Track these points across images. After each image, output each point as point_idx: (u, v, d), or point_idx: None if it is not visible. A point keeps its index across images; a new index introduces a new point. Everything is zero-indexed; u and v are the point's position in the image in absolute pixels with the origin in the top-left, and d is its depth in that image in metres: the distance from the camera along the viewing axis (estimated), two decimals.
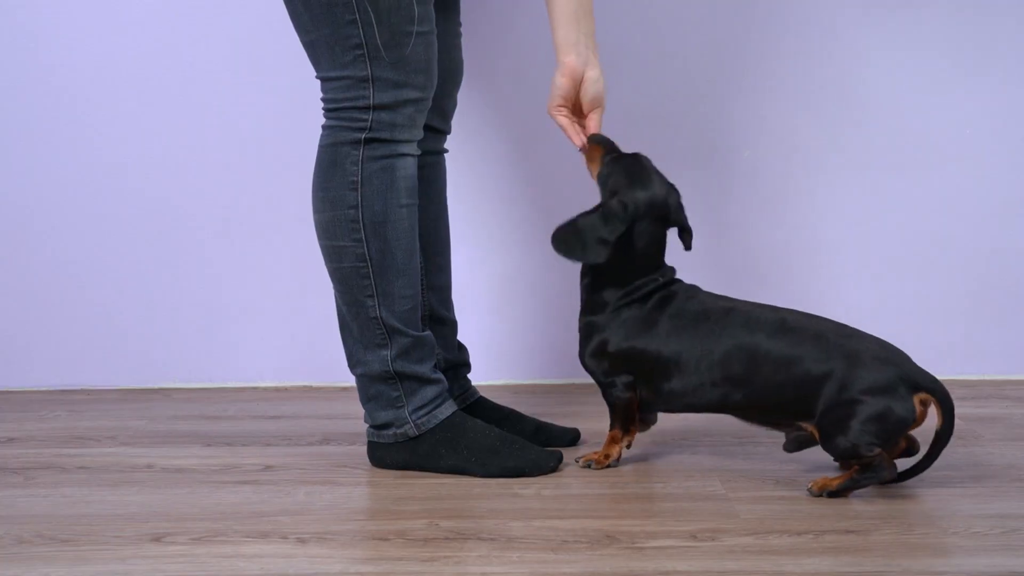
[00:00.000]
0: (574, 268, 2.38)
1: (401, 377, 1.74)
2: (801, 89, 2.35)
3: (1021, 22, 2.32)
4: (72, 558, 1.43)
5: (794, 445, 1.68)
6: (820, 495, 1.60)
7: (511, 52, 2.27)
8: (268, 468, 1.80)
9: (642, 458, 1.82)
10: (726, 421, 2.04)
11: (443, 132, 1.89)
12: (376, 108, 1.67)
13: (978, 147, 2.35)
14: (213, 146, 2.36)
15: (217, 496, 1.66)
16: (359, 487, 1.71)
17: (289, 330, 2.40)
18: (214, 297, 2.40)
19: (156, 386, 2.41)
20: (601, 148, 1.75)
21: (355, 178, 1.69)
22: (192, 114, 2.36)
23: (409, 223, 1.73)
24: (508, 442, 1.75)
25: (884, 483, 1.60)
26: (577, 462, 1.77)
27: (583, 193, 2.37)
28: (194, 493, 1.68)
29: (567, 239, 1.67)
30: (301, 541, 1.47)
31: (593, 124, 1.77)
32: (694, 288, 1.74)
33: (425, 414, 1.75)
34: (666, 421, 2.06)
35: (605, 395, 1.74)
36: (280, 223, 2.37)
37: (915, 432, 1.62)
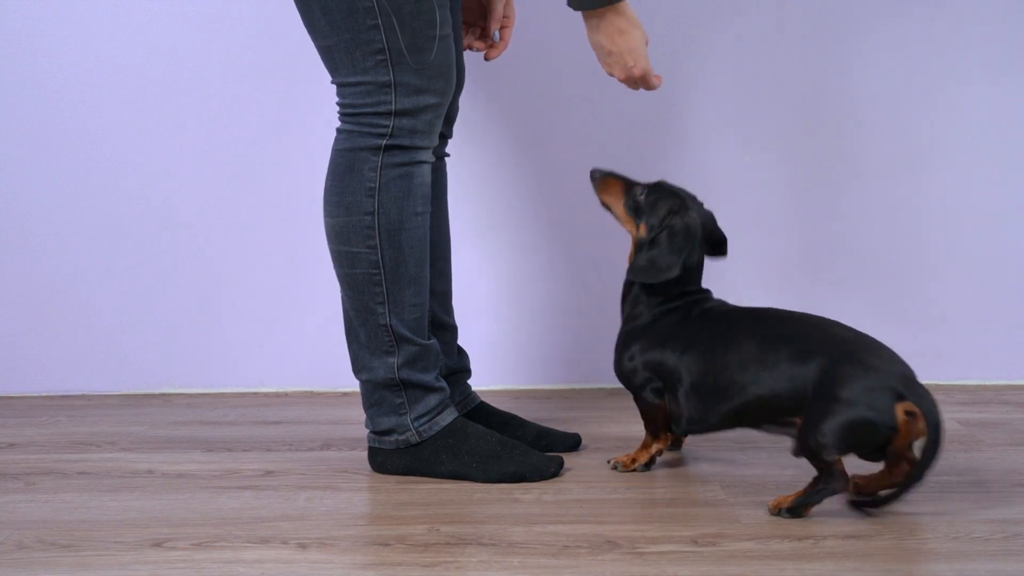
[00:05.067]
0: (574, 273, 2.39)
1: (406, 385, 1.74)
2: (801, 93, 2.35)
3: (1019, 24, 2.32)
4: (73, 563, 1.43)
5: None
6: (777, 515, 1.56)
7: (512, 56, 2.27)
8: (269, 473, 1.80)
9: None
10: None
11: (446, 137, 1.89)
12: (397, 114, 1.66)
13: (979, 152, 2.35)
14: (215, 151, 2.37)
15: (218, 501, 1.66)
16: (360, 492, 1.71)
17: (290, 336, 2.40)
18: (215, 302, 2.40)
19: (157, 391, 2.41)
20: (619, 181, 1.80)
21: (373, 184, 1.68)
22: (191, 119, 2.36)
23: (423, 231, 1.73)
24: (509, 447, 1.75)
25: (836, 494, 1.55)
26: (608, 463, 1.80)
27: (584, 197, 2.37)
28: (195, 498, 1.68)
29: (646, 269, 1.73)
30: (302, 546, 1.47)
31: (509, 36, 1.85)
32: (724, 302, 1.77)
33: (427, 421, 1.75)
34: None
35: (636, 401, 1.77)
36: (282, 228, 2.37)
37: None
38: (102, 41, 2.34)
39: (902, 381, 1.52)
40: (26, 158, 2.37)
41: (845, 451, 1.53)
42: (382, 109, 1.66)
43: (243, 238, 2.38)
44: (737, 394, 1.63)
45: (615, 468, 1.78)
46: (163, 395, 2.39)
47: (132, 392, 2.40)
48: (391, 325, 1.71)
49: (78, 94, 2.35)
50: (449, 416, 1.76)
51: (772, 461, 1.82)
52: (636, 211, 1.76)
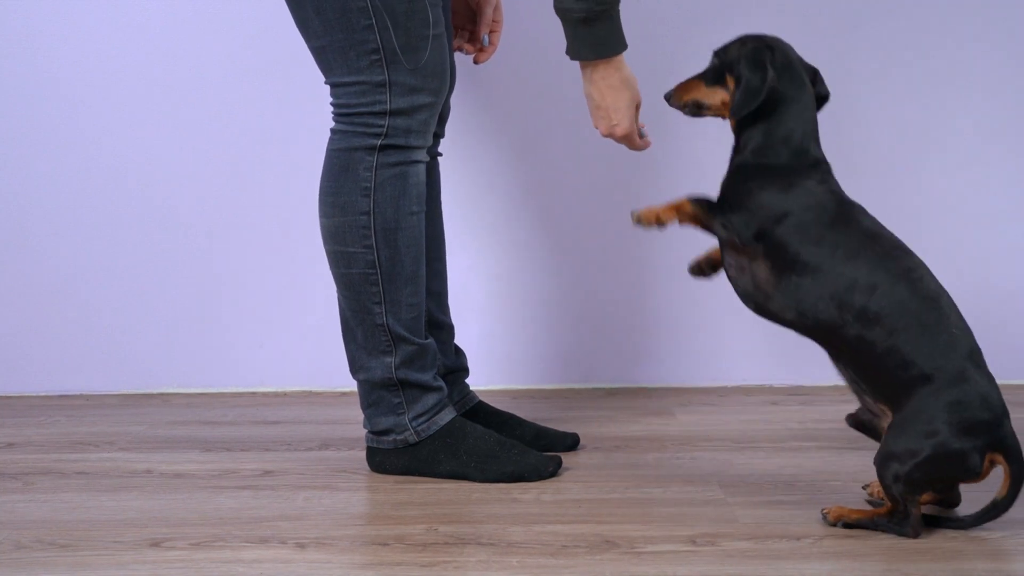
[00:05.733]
0: (573, 272, 2.39)
1: (404, 385, 1.74)
2: None
3: (1019, 25, 2.33)
4: (71, 563, 1.43)
5: (855, 422, 1.58)
6: (835, 525, 1.50)
7: (507, 56, 2.27)
8: (267, 473, 1.80)
9: (641, 463, 1.82)
10: (725, 426, 2.04)
11: (438, 136, 1.89)
12: (393, 114, 1.66)
13: (979, 151, 2.35)
14: (214, 151, 2.36)
15: (216, 501, 1.66)
16: (358, 492, 1.71)
17: (289, 335, 2.40)
18: (213, 302, 2.40)
19: (155, 391, 2.41)
20: (691, 82, 1.67)
21: (368, 184, 1.68)
22: (191, 119, 2.36)
23: (419, 230, 1.73)
24: (507, 447, 1.75)
25: (904, 536, 1.46)
26: (633, 214, 1.64)
27: (582, 197, 2.38)
28: (193, 498, 1.68)
29: (742, 99, 1.57)
30: (300, 546, 1.47)
31: (498, 40, 1.86)
32: (855, 204, 1.62)
33: (425, 421, 1.75)
34: (665, 426, 2.06)
35: (725, 220, 1.56)
36: (281, 228, 2.37)
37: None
38: (102, 41, 2.34)
39: (999, 431, 1.45)
40: (26, 158, 2.37)
41: (927, 486, 1.46)
42: (377, 109, 1.66)
43: (242, 238, 2.38)
44: (855, 328, 1.47)
45: (638, 223, 1.63)
46: (162, 395, 2.39)
47: (131, 392, 2.40)
48: (388, 325, 1.71)
49: (78, 94, 2.35)
50: (447, 416, 1.76)
51: (771, 461, 1.82)
52: (717, 79, 1.63)
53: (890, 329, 1.46)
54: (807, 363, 2.35)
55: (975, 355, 1.49)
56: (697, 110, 1.68)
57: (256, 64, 2.33)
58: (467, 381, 1.96)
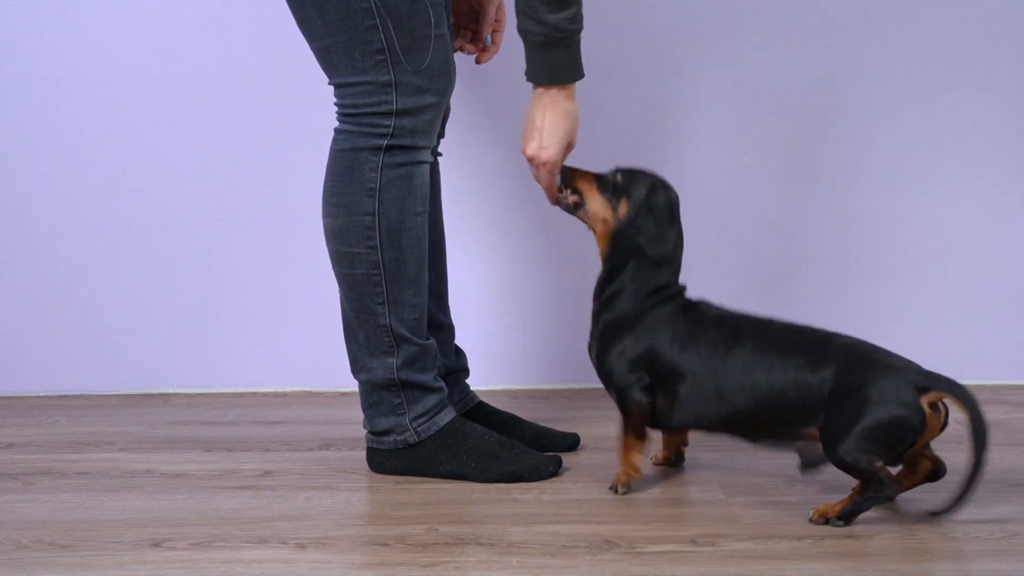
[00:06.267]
0: (573, 272, 2.39)
1: (405, 385, 1.74)
2: (798, 94, 2.35)
3: (1018, 26, 2.33)
4: (71, 563, 1.43)
5: (809, 465, 1.60)
6: (821, 523, 1.52)
7: (508, 56, 2.27)
8: (267, 473, 1.80)
9: (641, 463, 1.82)
10: None
11: (439, 136, 1.89)
12: (399, 114, 1.66)
13: (975, 152, 2.35)
14: (214, 151, 2.36)
15: (216, 501, 1.66)
16: (359, 492, 1.71)
17: (289, 336, 2.40)
18: (214, 302, 2.40)
19: (155, 391, 2.41)
20: (586, 172, 1.73)
21: (373, 185, 1.68)
22: (191, 119, 2.36)
23: (423, 231, 1.73)
24: (507, 447, 1.75)
25: (888, 501, 1.52)
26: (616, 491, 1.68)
27: None
28: (193, 498, 1.68)
29: (639, 243, 1.66)
30: (300, 546, 1.47)
31: (501, 40, 1.85)
32: (705, 301, 1.71)
33: (425, 421, 1.75)
34: None
35: (621, 400, 1.68)
36: (281, 228, 2.37)
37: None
38: (102, 41, 2.34)
39: (921, 374, 1.51)
40: (26, 158, 2.37)
41: (886, 454, 1.49)
42: (383, 109, 1.66)
43: (242, 238, 2.38)
44: (742, 397, 1.58)
45: (627, 490, 1.67)
46: (162, 395, 2.39)
47: (131, 392, 2.40)
48: (390, 325, 1.71)
49: (78, 94, 2.35)
50: (447, 416, 1.76)
51: (771, 462, 1.82)
52: (614, 192, 1.70)
53: (770, 377, 1.57)
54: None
55: (848, 339, 1.59)
56: (575, 207, 1.73)
57: (256, 64, 2.33)
58: (467, 381, 1.96)
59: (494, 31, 1.90)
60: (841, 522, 1.51)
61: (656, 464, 1.81)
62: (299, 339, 2.40)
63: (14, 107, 2.36)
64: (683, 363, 1.63)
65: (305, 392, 2.40)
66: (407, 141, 1.67)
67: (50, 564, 1.43)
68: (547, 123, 1.67)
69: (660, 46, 2.34)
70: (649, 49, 2.35)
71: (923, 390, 1.49)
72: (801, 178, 2.38)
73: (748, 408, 1.59)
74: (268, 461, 1.87)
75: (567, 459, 1.82)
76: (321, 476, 1.78)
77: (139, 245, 2.38)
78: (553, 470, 1.75)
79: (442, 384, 1.78)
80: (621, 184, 1.70)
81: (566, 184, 1.72)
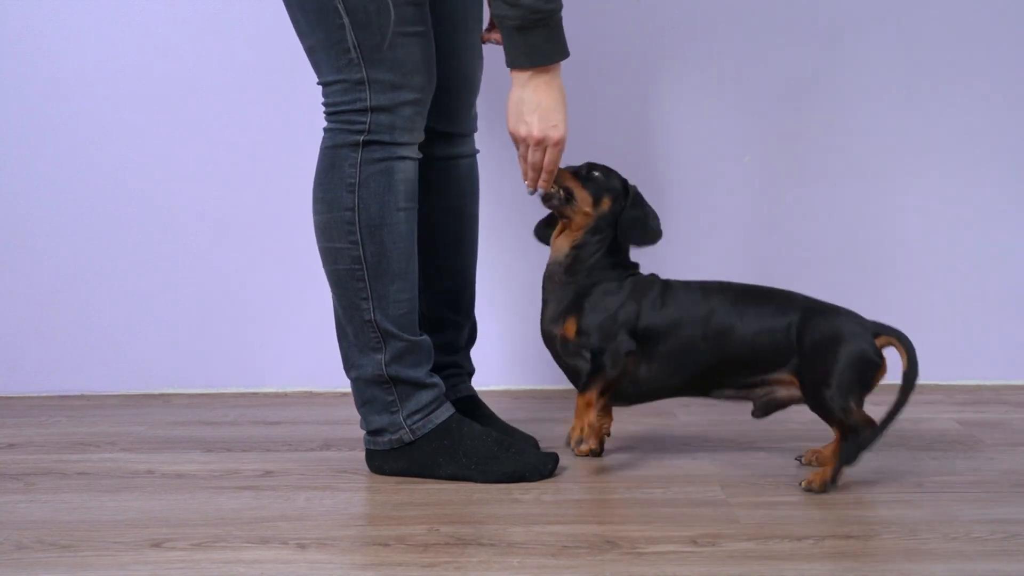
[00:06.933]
0: None
1: (395, 381, 1.74)
2: (800, 94, 2.35)
3: (1018, 25, 2.33)
4: (72, 564, 1.43)
5: (763, 411, 1.75)
6: (825, 491, 1.64)
7: None
8: (268, 474, 1.80)
9: (642, 464, 1.82)
10: (725, 426, 2.04)
11: (454, 135, 1.88)
12: (374, 110, 1.67)
13: (977, 152, 2.35)
14: (214, 151, 2.37)
15: (217, 502, 1.66)
16: (359, 492, 1.71)
17: (290, 336, 2.40)
18: (214, 303, 2.40)
19: (156, 391, 2.41)
20: (568, 171, 1.79)
21: (353, 180, 1.69)
22: (191, 119, 2.36)
23: (407, 227, 1.72)
24: (505, 446, 1.75)
25: (866, 445, 1.63)
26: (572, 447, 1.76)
27: None
28: (194, 499, 1.68)
29: (639, 229, 1.79)
30: (301, 547, 1.47)
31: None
32: (655, 275, 1.83)
33: (420, 419, 1.75)
34: (666, 426, 2.06)
35: (600, 361, 1.72)
36: (281, 228, 2.37)
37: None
38: (102, 41, 2.34)
39: (870, 322, 1.70)
40: (26, 158, 2.37)
41: (856, 390, 1.64)
42: (358, 106, 1.67)
43: (243, 238, 2.38)
44: (719, 347, 1.71)
45: (570, 445, 1.74)
46: (163, 395, 2.39)
47: (132, 392, 2.40)
48: (376, 321, 1.71)
49: (78, 94, 2.35)
50: (444, 414, 1.76)
51: (771, 461, 1.82)
52: (595, 187, 1.78)
53: (744, 325, 1.72)
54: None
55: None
56: (565, 202, 1.77)
57: (257, 64, 2.33)
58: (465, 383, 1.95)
59: None
60: (834, 485, 1.64)
61: (579, 455, 1.85)
62: (300, 339, 2.40)
63: (14, 107, 2.36)
64: (665, 321, 1.74)
65: (306, 392, 2.40)
66: (385, 137, 1.68)
67: (51, 564, 1.43)
68: (548, 102, 1.66)
69: (659, 46, 2.34)
70: (647, 49, 2.35)
71: (876, 334, 1.68)
72: (799, 177, 2.38)
73: (724, 357, 1.72)
74: (269, 461, 1.87)
75: (567, 459, 1.82)
76: (322, 476, 1.78)
77: (139, 245, 2.38)
78: (552, 467, 1.75)
79: (438, 381, 1.78)
80: (601, 180, 1.79)
81: (560, 186, 1.78)
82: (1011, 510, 1.57)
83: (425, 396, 1.75)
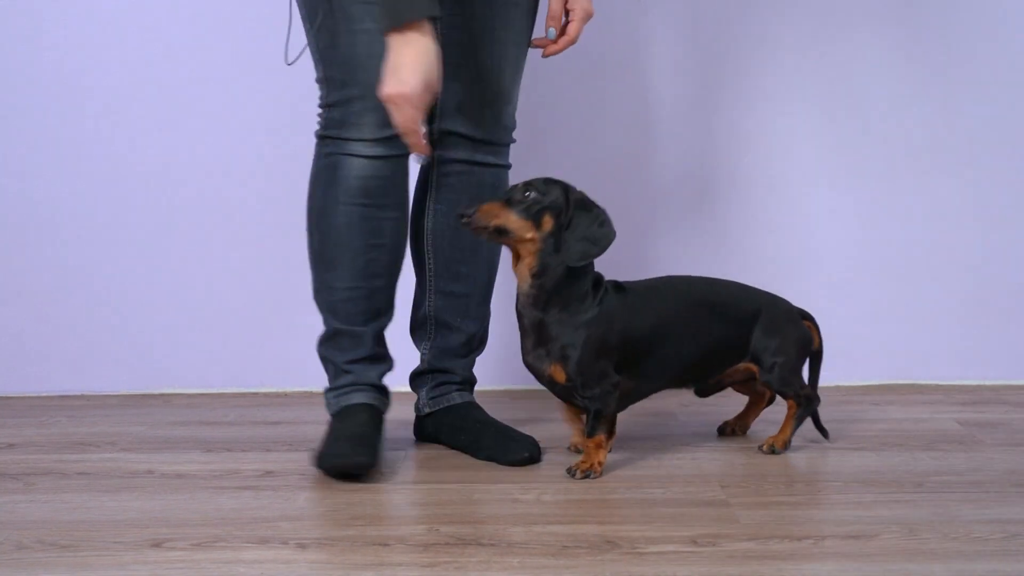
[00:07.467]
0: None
1: (323, 360, 1.88)
2: (797, 96, 2.35)
3: (1017, 29, 2.33)
4: (72, 564, 1.43)
5: (707, 391, 1.91)
6: (784, 451, 1.86)
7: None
8: (268, 474, 1.80)
9: (642, 464, 1.82)
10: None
11: (478, 140, 1.87)
12: (328, 106, 1.77)
13: (974, 154, 2.36)
14: (212, 150, 2.37)
15: (217, 501, 1.66)
16: (359, 493, 1.71)
17: (290, 336, 2.40)
18: (214, 302, 2.40)
19: (156, 391, 2.41)
20: (492, 201, 1.70)
21: (311, 171, 1.81)
22: (191, 119, 2.36)
23: (346, 220, 1.77)
24: (357, 442, 1.78)
25: (813, 410, 1.89)
26: (572, 475, 1.74)
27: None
28: (194, 499, 1.68)
29: (588, 245, 1.70)
30: (301, 546, 1.47)
31: (574, 30, 1.84)
32: (617, 280, 1.80)
33: (334, 397, 1.86)
34: (666, 426, 2.06)
35: (601, 402, 1.72)
36: (281, 228, 2.37)
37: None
38: (103, 41, 2.34)
39: (796, 307, 1.90)
40: (24, 159, 2.37)
41: (801, 367, 1.88)
42: (321, 102, 1.79)
43: (243, 238, 2.38)
44: (696, 350, 1.79)
45: (587, 476, 1.73)
46: (163, 395, 2.39)
47: (132, 392, 2.40)
48: (316, 301, 1.85)
49: (79, 94, 2.35)
50: (354, 399, 1.83)
51: (771, 461, 1.82)
52: (530, 210, 1.68)
53: (717, 320, 1.82)
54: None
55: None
56: (497, 236, 1.71)
57: (258, 64, 2.33)
58: (456, 392, 1.96)
59: (569, 21, 1.84)
60: (784, 449, 1.86)
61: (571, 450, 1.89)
62: (299, 339, 2.39)
63: (15, 107, 2.36)
64: (644, 332, 1.76)
65: (306, 392, 2.40)
66: (335, 132, 1.75)
67: (51, 564, 1.43)
68: (404, 60, 1.60)
69: (654, 47, 2.34)
70: (643, 52, 2.35)
71: (803, 318, 1.90)
72: (800, 178, 2.38)
73: (700, 358, 1.81)
74: (269, 461, 1.87)
75: (566, 460, 1.82)
76: (322, 476, 1.78)
77: (140, 245, 2.39)
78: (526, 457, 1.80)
79: (364, 373, 1.84)
80: (537, 199, 1.69)
81: (484, 224, 1.69)
82: (1011, 510, 1.57)
83: (342, 380, 1.85)
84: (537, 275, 1.71)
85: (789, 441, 1.88)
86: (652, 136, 2.36)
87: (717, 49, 2.34)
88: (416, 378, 1.98)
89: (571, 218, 1.69)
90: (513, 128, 1.92)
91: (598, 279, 1.75)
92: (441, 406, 1.94)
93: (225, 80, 2.35)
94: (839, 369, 2.37)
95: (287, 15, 1.83)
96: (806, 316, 1.91)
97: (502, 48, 1.84)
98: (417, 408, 1.97)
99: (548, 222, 1.69)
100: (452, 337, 1.92)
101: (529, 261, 1.71)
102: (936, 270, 2.38)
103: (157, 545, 1.48)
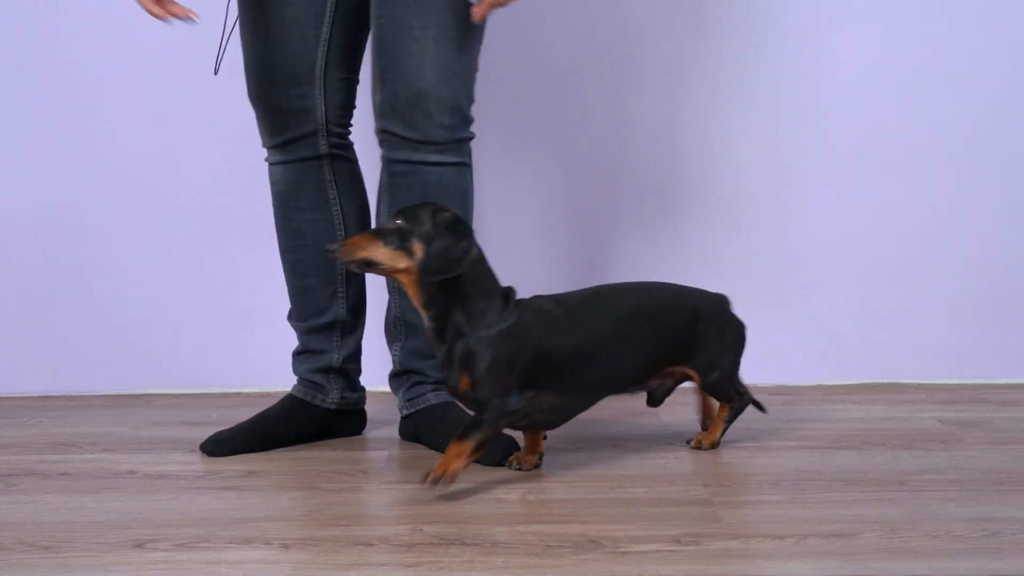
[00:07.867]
0: (571, 272, 2.39)
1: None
2: (786, 93, 2.36)
3: (1008, 24, 2.34)
4: (54, 565, 1.42)
5: (658, 399, 1.87)
6: (710, 448, 1.88)
7: (510, 58, 2.27)
8: (251, 474, 1.80)
9: (625, 463, 1.83)
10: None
11: (414, 141, 1.83)
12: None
13: (961, 151, 2.36)
14: (205, 149, 2.36)
15: (200, 502, 1.66)
16: (343, 493, 1.71)
17: (272, 336, 2.38)
18: (197, 303, 2.39)
19: (138, 392, 2.40)
20: (360, 234, 1.68)
21: None
22: (189, 119, 2.35)
23: (276, 224, 1.98)
24: (261, 434, 1.94)
25: (744, 408, 1.89)
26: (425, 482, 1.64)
27: (581, 199, 2.38)
28: (177, 499, 1.67)
29: (441, 262, 1.62)
30: (284, 547, 1.47)
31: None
32: (538, 296, 1.75)
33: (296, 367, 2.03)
34: (649, 426, 2.07)
35: (490, 413, 1.64)
36: (263, 228, 2.36)
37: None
38: (103, 40, 2.33)
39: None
40: (13, 158, 2.36)
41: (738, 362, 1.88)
42: None
43: (227, 238, 2.38)
44: (633, 359, 1.76)
45: (429, 481, 1.62)
46: (145, 395, 2.38)
47: (113, 393, 2.39)
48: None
49: (79, 94, 2.35)
50: (297, 389, 2.00)
51: (755, 461, 1.83)
52: (402, 238, 1.63)
53: (655, 327, 1.79)
54: (790, 363, 2.37)
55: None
56: (367, 267, 1.66)
57: None
58: (432, 391, 1.95)
59: None
60: (712, 448, 1.88)
61: (523, 469, 1.78)
62: (281, 339, 2.38)
63: (13, 106, 2.35)
64: (577, 353, 1.70)
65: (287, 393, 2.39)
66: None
67: (32, 566, 1.42)
68: None
69: (638, 47, 2.34)
70: (628, 52, 2.35)
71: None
72: (796, 176, 2.38)
73: (637, 366, 1.78)
74: (252, 461, 1.87)
75: (553, 458, 1.82)
76: (305, 476, 1.78)
77: (123, 245, 2.38)
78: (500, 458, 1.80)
79: (297, 366, 2.00)
80: (405, 226, 1.63)
81: (350, 258, 1.65)
82: (991, 508, 1.58)
83: (296, 361, 2.02)
84: (428, 306, 1.66)
85: (718, 441, 1.89)
86: (631, 135, 2.37)
87: (699, 47, 2.35)
88: (393, 379, 1.98)
89: (434, 237, 1.62)
90: (458, 125, 1.84)
91: (507, 293, 1.69)
92: (418, 407, 1.94)
93: (224, 79, 2.33)
94: (821, 368, 2.37)
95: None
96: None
97: (421, 46, 1.80)
98: (399, 409, 1.98)
99: (419, 249, 1.62)
100: (420, 338, 1.92)
101: (413, 293, 1.66)
102: (918, 270, 2.39)
103: (139, 546, 1.48)
